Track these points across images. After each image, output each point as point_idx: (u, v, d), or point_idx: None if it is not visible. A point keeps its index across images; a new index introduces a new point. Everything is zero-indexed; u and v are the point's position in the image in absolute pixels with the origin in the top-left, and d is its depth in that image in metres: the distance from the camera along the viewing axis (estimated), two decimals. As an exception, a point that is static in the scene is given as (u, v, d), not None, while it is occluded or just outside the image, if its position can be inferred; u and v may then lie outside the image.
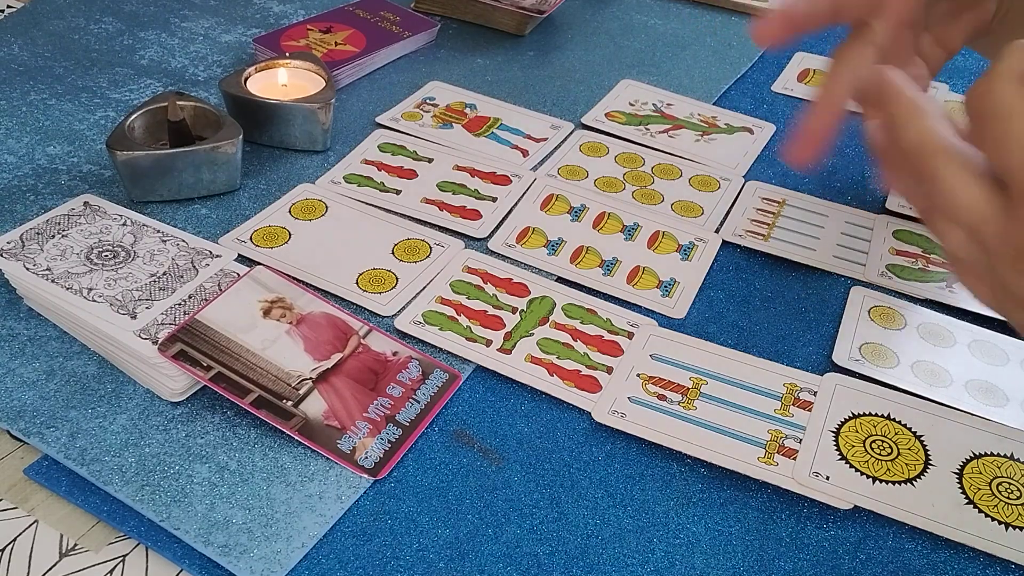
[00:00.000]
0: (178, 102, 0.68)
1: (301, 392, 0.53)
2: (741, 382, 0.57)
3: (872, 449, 0.53)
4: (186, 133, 0.68)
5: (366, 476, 0.50)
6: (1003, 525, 0.49)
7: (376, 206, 0.69)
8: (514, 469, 0.51)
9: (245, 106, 0.72)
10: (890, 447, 0.53)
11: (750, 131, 0.82)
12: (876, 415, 0.55)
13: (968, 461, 0.53)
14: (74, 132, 0.74)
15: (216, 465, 0.50)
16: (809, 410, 0.55)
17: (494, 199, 0.70)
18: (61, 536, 0.47)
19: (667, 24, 0.99)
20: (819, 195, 0.73)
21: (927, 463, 0.52)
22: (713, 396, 0.56)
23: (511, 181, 0.72)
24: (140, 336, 0.53)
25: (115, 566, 0.46)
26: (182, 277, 0.58)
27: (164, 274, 0.58)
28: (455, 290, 0.62)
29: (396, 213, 0.68)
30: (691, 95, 0.86)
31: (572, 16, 0.99)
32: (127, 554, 0.47)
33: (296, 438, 0.51)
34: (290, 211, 0.67)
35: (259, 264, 0.61)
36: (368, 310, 0.60)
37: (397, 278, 0.62)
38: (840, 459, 0.52)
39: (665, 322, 0.61)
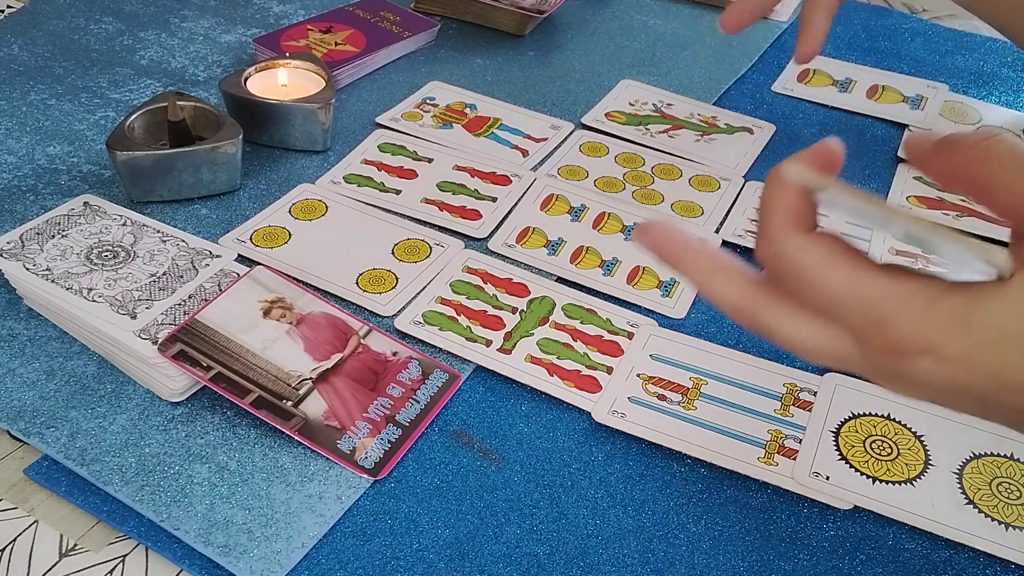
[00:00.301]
0: (178, 102, 0.68)
1: (301, 392, 0.53)
2: (741, 382, 0.57)
3: (872, 449, 0.53)
4: (186, 133, 0.68)
5: (366, 476, 0.50)
6: (1003, 525, 0.49)
7: (376, 206, 0.69)
8: (514, 469, 0.51)
9: (245, 106, 0.72)
10: (890, 447, 0.53)
11: (750, 131, 0.82)
12: (876, 415, 0.55)
13: (968, 461, 0.53)
14: (74, 132, 0.74)
15: (216, 465, 0.50)
16: (809, 410, 0.55)
17: (494, 199, 0.70)
18: (61, 536, 0.47)
19: (667, 24, 0.99)
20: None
21: (927, 463, 0.52)
22: (713, 396, 0.56)
23: (511, 181, 0.72)
24: (140, 336, 0.53)
25: (115, 566, 0.46)
26: (182, 277, 0.58)
27: (164, 274, 0.58)
28: (455, 290, 0.62)
29: (396, 213, 0.68)
30: (691, 95, 0.86)
31: (572, 16, 0.99)
32: (127, 554, 0.47)
33: (296, 438, 0.51)
34: (290, 211, 0.67)
35: (259, 264, 0.61)
36: (368, 310, 0.60)
37: (397, 278, 0.62)
38: (840, 459, 0.52)
39: (665, 322, 0.61)
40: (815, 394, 0.56)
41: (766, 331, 0.38)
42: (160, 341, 0.53)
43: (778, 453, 0.52)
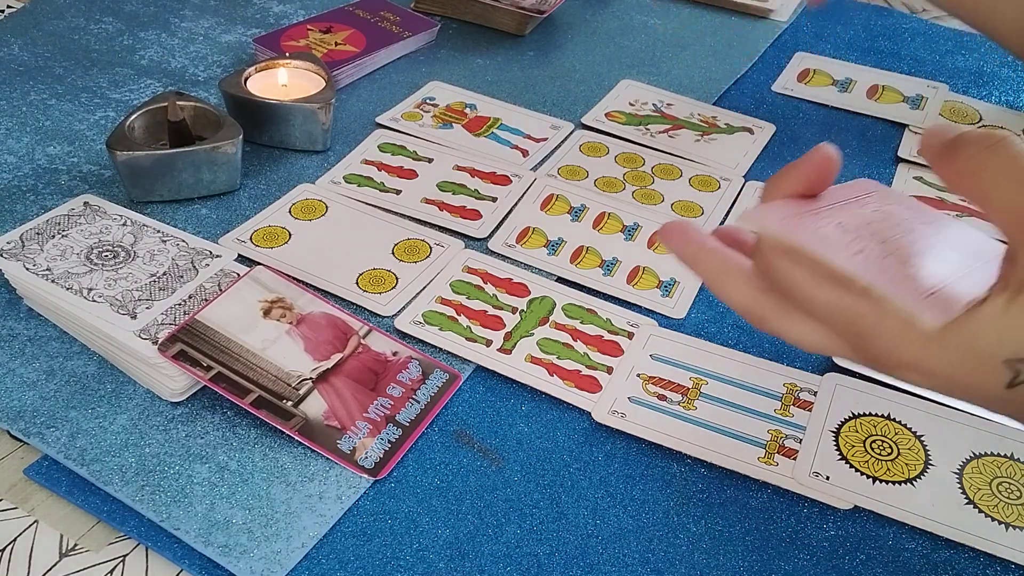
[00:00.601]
0: (178, 102, 0.68)
1: (301, 392, 0.53)
2: (741, 382, 0.57)
3: (872, 449, 0.53)
4: (186, 133, 0.68)
5: (366, 476, 0.50)
6: (1003, 525, 0.49)
7: (376, 206, 0.69)
8: (514, 469, 0.51)
9: (245, 106, 0.72)
10: (890, 447, 0.53)
11: (750, 131, 0.82)
12: (876, 415, 0.55)
13: (968, 461, 0.53)
14: (74, 132, 0.74)
15: (216, 465, 0.50)
16: (809, 410, 0.55)
17: (494, 199, 0.70)
18: (61, 536, 0.47)
19: (667, 24, 0.99)
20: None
21: (927, 463, 0.52)
22: (713, 396, 0.56)
23: (511, 181, 0.72)
24: (140, 336, 0.53)
25: (115, 566, 0.46)
26: (182, 277, 0.58)
27: (164, 274, 0.58)
28: (455, 290, 0.62)
29: (396, 213, 0.68)
30: (691, 95, 0.86)
31: (572, 16, 0.99)
32: (127, 554, 0.47)
33: (296, 438, 0.51)
34: (290, 211, 0.67)
35: (259, 264, 0.61)
36: (368, 310, 0.60)
37: (397, 278, 0.62)
38: (840, 459, 0.52)
39: (665, 322, 0.61)
40: (815, 394, 0.56)
41: (774, 332, 0.40)
42: (160, 341, 0.53)
43: (778, 453, 0.52)
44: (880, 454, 0.53)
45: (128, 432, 0.51)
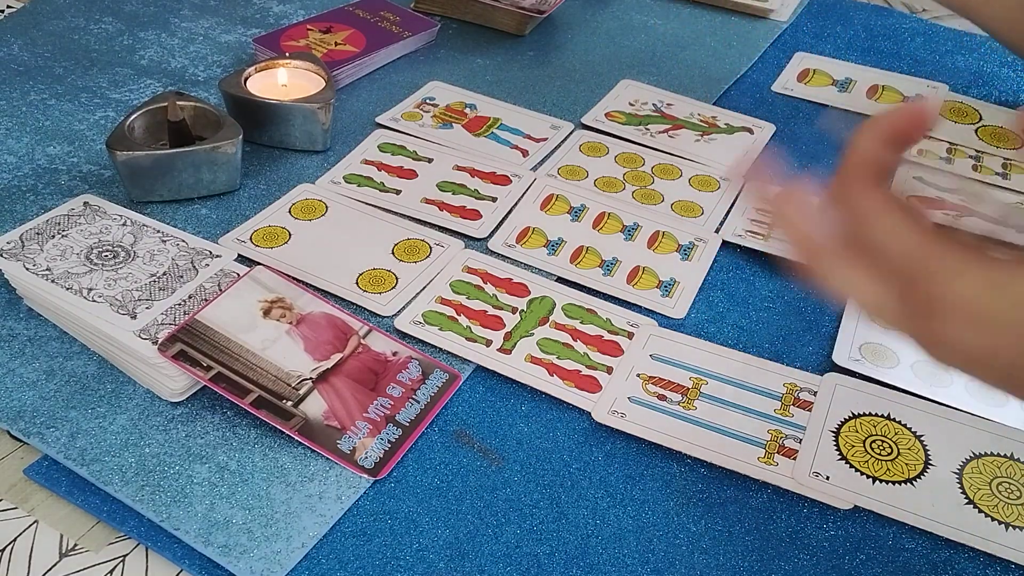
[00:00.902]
0: (178, 102, 0.68)
1: (301, 392, 0.53)
2: (741, 382, 0.57)
3: (872, 449, 0.53)
4: (186, 133, 0.68)
5: (366, 476, 0.50)
6: (1003, 525, 0.49)
7: (376, 206, 0.69)
8: (514, 469, 0.51)
9: (245, 106, 0.72)
10: (890, 447, 0.53)
11: (750, 131, 0.82)
12: (876, 415, 0.55)
13: (968, 461, 0.53)
14: (74, 132, 0.74)
15: (216, 465, 0.50)
16: (809, 410, 0.55)
17: (494, 199, 0.70)
18: (61, 536, 0.47)
19: (667, 24, 0.99)
20: (819, 195, 0.73)
21: (927, 463, 0.52)
22: (713, 396, 0.56)
23: (511, 181, 0.72)
24: (140, 336, 0.53)
25: (115, 566, 0.46)
26: (182, 277, 0.58)
27: (164, 274, 0.58)
28: (455, 290, 0.62)
29: (396, 213, 0.68)
30: (691, 95, 0.86)
31: (572, 16, 0.99)
32: (127, 554, 0.47)
33: (296, 438, 0.51)
34: (290, 211, 0.67)
35: (259, 264, 0.61)
36: (368, 310, 0.60)
37: (397, 278, 0.62)
38: (840, 459, 0.52)
39: (665, 322, 0.61)
40: (815, 394, 0.56)
41: (824, 275, 0.40)
42: (160, 341, 0.53)
43: (778, 453, 0.52)
44: (880, 454, 0.53)
45: (128, 432, 0.51)
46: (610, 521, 0.49)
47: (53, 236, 0.59)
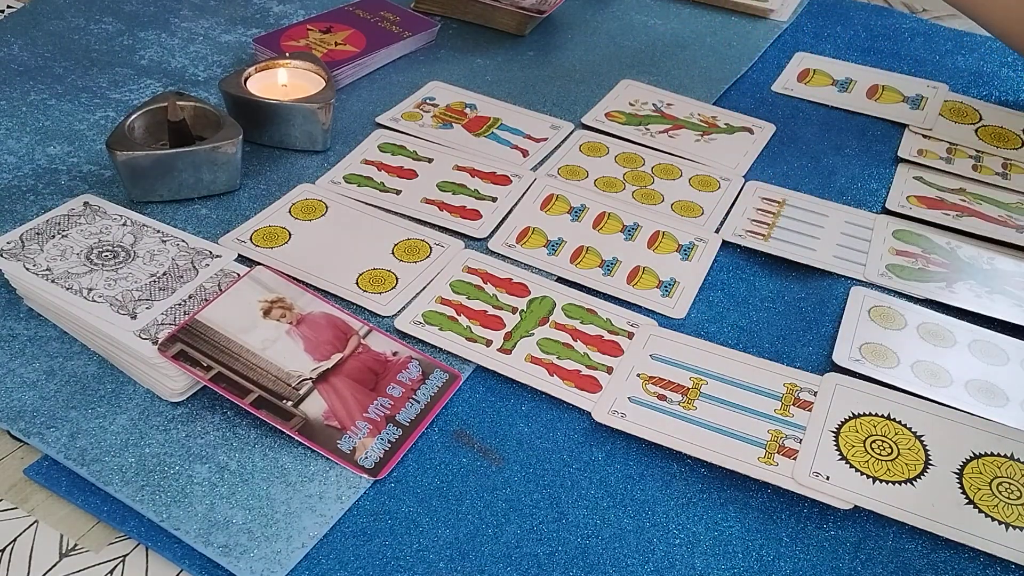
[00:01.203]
0: (178, 102, 0.68)
1: (301, 392, 0.53)
2: (741, 382, 0.57)
3: (872, 449, 0.53)
4: (186, 133, 0.68)
5: (366, 476, 0.50)
6: (1003, 525, 0.49)
7: (376, 206, 0.69)
8: (514, 469, 0.51)
9: (245, 106, 0.72)
10: (890, 447, 0.53)
11: (750, 131, 0.82)
12: (876, 415, 0.55)
13: (968, 461, 0.53)
14: (74, 132, 0.74)
15: (216, 465, 0.50)
16: (809, 410, 0.55)
17: (494, 199, 0.70)
18: (61, 536, 0.47)
19: (667, 24, 0.99)
20: (819, 195, 0.73)
21: (927, 463, 0.52)
22: (713, 396, 0.56)
23: (511, 181, 0.72)
24: (140, 336, 0.53)
25: (115, 566, 0.46)
26: (182, 277, 0.58)
27: (164, 274, 0.58)
28: (455, 290, 0.62)
29: (396, 213, 0.68)
30: (691, 95, 0.86)
31: (572, 16, 0.99)
32: (127, 554, 0.47)
33: (296, 438, 0.51)
34: (290, 211, 0.67)
35: (259, 264, 0.61)
36: (368, 310, 0.60)
37: (397, 278, 0.62)
38: (840, 459, 0.52)
39: (665, 322, 0.61)
40: (815, 394, 0.56)
41: None
42: (160, 341, 0.53)
43: (778, 453, 0.52)
44: (880, 454, 0.53)
45: (128, 432, 0.51)
46: (610, 521, 0.49)
47: (53, 236, 0.59)
